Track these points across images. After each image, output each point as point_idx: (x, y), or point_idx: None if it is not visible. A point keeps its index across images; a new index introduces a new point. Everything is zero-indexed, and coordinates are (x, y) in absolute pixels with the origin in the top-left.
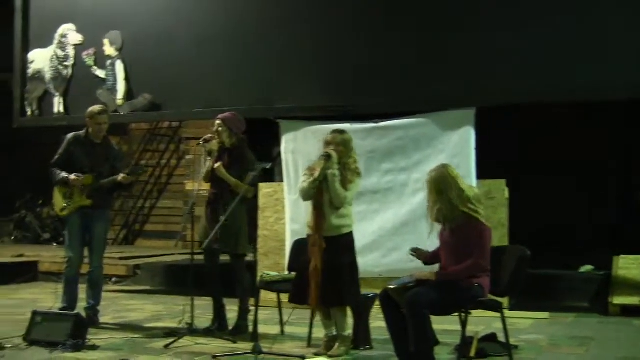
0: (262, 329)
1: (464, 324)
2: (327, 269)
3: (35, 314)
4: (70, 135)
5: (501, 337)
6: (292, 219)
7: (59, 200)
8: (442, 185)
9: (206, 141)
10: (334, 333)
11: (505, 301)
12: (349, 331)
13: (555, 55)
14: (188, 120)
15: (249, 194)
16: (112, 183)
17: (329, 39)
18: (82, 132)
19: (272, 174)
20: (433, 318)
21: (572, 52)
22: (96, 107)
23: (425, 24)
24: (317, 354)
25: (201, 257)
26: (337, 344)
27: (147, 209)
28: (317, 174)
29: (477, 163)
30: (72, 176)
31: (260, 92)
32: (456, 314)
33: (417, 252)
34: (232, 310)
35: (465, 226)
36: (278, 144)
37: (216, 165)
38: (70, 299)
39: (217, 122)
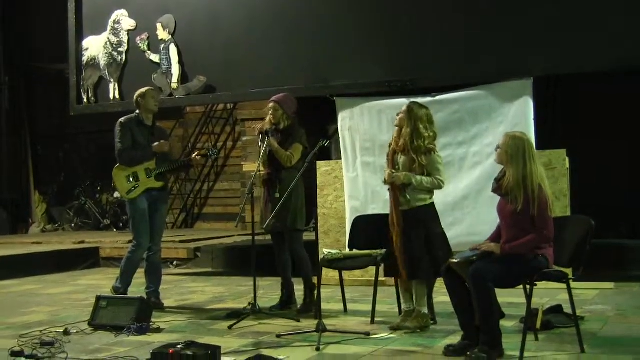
0: (324, 307)
1: (529, 296)
2: (403, 243)
3: (99, 298)
4: (123, 119)
5: (567, 309)
6: (350, 196)
7: (122, 183)
8: (526, 153)
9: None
10: (411, 308)
11: (569, 272)
12: (424, 308)
13: (613, 23)
14: (244, 102)
15: (287, 162)
16: (181, 164)
17: (384, 13)
18: (133, 115)
19: (329, 152)
20: (497, 291)
21: (633, 18)
22: (145, 88)
23: None
24: (392, 329)
25: (263, 237)
26: (410, 319)
27: (204, 191)
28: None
29: (535, 133)
30: (160, 144)
31: (316, 70)
32: (521, 286)
33: (478, 249)
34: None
35: (529, 197)
36: (335, 121)
37: (261, 126)
38: (128, 281)
39: (271, 104)
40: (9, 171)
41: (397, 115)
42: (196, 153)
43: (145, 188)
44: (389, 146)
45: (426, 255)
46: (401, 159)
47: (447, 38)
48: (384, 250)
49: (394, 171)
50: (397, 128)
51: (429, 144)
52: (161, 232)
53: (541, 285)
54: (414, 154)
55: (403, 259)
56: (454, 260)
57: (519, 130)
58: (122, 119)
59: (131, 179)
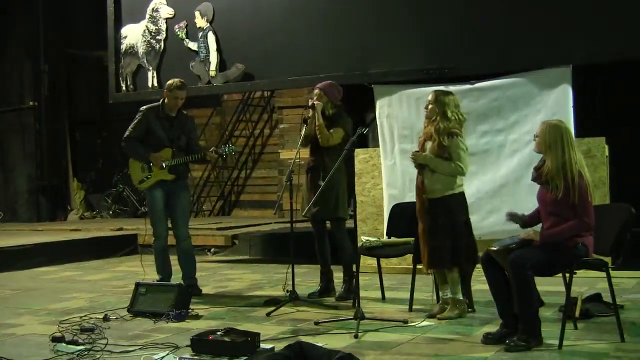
0: (362, 294)
1: (568, 284)
2: (429, 231)
3: (138, 285)
4: (144, 108)
5: (606, 297)
6: (388, 184)
7: (137, 172)
8: (565, 141)
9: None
10: (448, 295)
11: (608, 260)
12: (459, 294)
13: None
14: (281, 89)
15: (325, 141)
16: (196, 158)
17: (423, 1)
18: (157, 104)
19: (367, 140)
20: (536, 279)
21: None
22: (176, 81)
23: None
24: (430, 316)
25: (301, 224)
26: (449, 307)
27: (242, 179)
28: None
29: (575, 121)
30: (157, 156)
31: (354, 58)
32: (560, 274)
33: (513, 217)
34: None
35: (569, 184)
36: (372, 109)
37: (316, 103)
38: (166, 270)
39: (316, 91)
40: (48, 158)
41: (426, 107)
42: (212, 149)
43: (158, 179)
44: (419, 138)
45: (449, 243)
46: (428, 145)
47: (486, 26)
48: None
49: (418, 150)
50: (427, 119)
51: (453, 127)
52: (185, 220)
53: (580, 273)
54: (437, 135)
55: (426, 247)
56: (493, 248)
57: (558, 118)
58: (143, 107)
59: (145, 169)
